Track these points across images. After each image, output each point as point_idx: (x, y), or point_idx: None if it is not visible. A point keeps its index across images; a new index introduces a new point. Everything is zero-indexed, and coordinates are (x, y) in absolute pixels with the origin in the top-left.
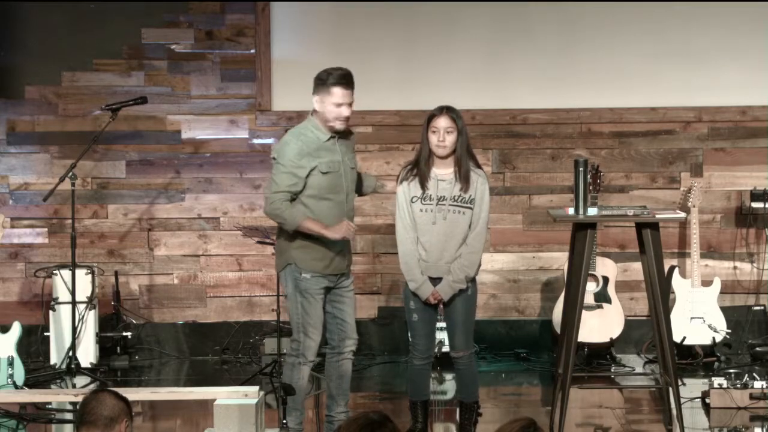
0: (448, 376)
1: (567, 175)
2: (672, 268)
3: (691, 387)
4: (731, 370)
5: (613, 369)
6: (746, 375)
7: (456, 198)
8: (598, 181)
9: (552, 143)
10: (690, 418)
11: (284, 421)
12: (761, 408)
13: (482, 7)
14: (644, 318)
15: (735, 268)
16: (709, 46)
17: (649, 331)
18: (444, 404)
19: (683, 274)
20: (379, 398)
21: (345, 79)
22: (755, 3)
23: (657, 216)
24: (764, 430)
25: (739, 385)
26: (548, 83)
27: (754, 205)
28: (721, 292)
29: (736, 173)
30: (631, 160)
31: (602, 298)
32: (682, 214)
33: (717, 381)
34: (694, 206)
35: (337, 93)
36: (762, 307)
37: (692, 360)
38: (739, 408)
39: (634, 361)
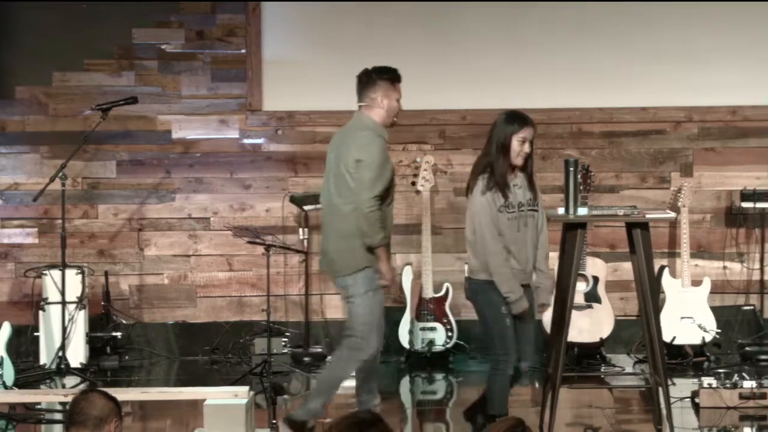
0: (438, 376)
1: (557, 175)
2: (662, 268)
3: (681, 387)
4: (721, 370)
5: (603, 369)
6: (736, 375)
7: (529, 202)
8: (589, 181)
9: (542, 143)
10: (680, 418)
11: (274, 421)
12: (751, 408)
13: (474, 8)
14: (634, 318)
15: (725, 268)
16: (699, 46)
17: (639, 330)
18: (434, 404)
19: (673, 274)
20: None
21: (400, 76)
22: (746, 3)
23: (647, 216)
24: (754, 429)
25: (728, 385)
26: (539, 83)
27: (744, 205)
28: (710, 292)
29: (726, 173)
30: (621, 160)
31: (592, 298)
32: (672, 214)
33: (707, 381)
34: (684, 206)
35: (399, 88)
36: (752, 307)
37: (682, 360)
38: (728, 408)
39: (624, 361)
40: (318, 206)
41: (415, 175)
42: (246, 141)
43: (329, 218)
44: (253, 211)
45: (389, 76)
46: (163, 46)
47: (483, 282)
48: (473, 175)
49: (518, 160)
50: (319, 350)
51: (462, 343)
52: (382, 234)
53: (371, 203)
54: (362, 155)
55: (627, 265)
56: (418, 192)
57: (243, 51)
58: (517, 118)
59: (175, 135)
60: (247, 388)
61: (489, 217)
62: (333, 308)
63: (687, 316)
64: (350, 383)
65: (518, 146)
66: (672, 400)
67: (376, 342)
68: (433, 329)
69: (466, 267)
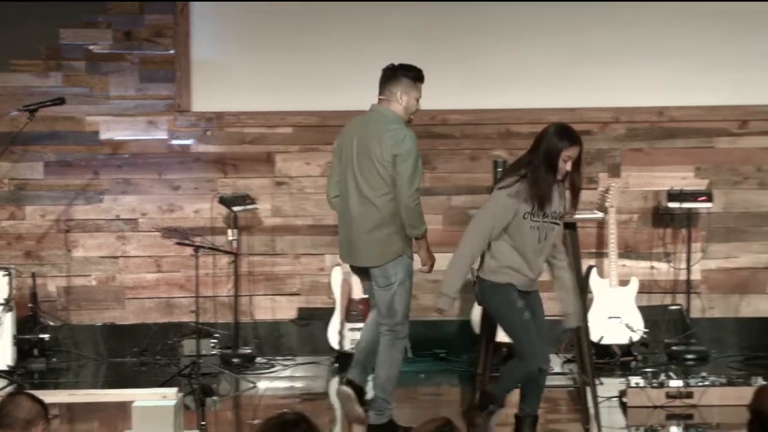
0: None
1: (486, 176)
2: (590, 268)
3: (609, 386)
4: (648, 370)
5: None
6: (663, 374)
7: (553, 215)
8: None
9: (471, 144)
10: (607, 417)
11: (203, 423)
12: (677, 407)
13: (403, 8)
14: (562, 318)
15: (652, 267)
16: (625, 47)
17: (567, 330)
18: (363, 404)
19: (601, 274)
20: (299, 399)
21: (423, 77)
22: (671, 3)
23: (575, 216)
24: (680, 428)
25: (655, 384)
26: (468, 84)
27: (671, 205)
28: (638, 292)
29: (653, 173)
30: None
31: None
32: (600, 214)
33: (634, 380)
34: (611, 206)
35: (421, 88)
36: (678, 307)
37: (609, 359)
38: (655, 407)
39: (552, 361)
40: (247, 207)
41: None
42: (174, 142)
43: (359, 210)
44: (181, 212)
45: (413, 74)
46: (90, 47)
47: (495, 283)
48: (507, 174)
49: (557, 176)
50: (248, 351)
51: None
52: (425, 226)
53: (415, 196)
54: (399, 150)
55: None
56: None
57: (171, 51)
58: (567, 135)
59: (103, 136)
60: (175, 389)
61: (496, 215)
62: (262, 309)
63: (614, 315)
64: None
65: (562, 163)
66: (600, 399)
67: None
68: (361, 329)
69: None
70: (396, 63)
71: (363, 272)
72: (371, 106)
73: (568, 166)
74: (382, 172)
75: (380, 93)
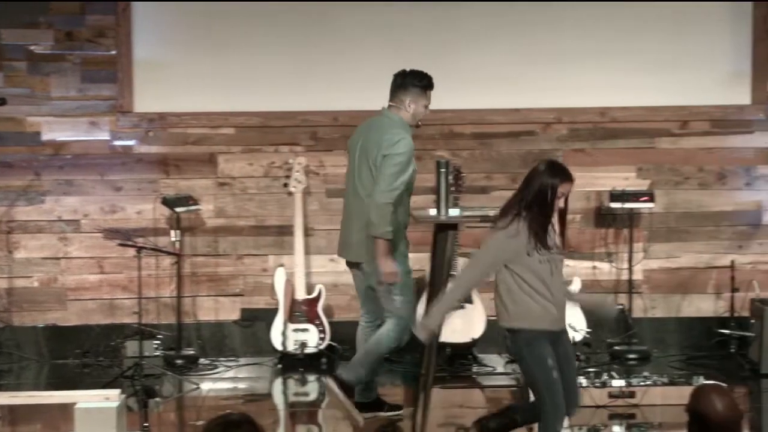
0: (311, 378)
1: (429, 176)
2: None
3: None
4: (591, 369)
5: (475, 369)
6: (605, 374)
7: (557, 247)
8: (460, 182)
9: (416, 144)
10: None
11: (146, 424)
12: (620, 406)
13: (348, 8)
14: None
15: (594, 267)
16: (567, 48)
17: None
18: (306, 405)
19: None
20: (242, 400)
21: (433, 84)
22: (613, 5)
23: None
24: (623, 428)
25: (598, 384)
26: None
27: (613, 205)
28: (580, 292)
29: (596, 174)
30: (492, 161)
31: (464, 298)
32: None
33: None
34: None
35: (430, 96)
36: (621, 307)
37: None
38: (598, 406)
39: (496, 361)
40: (190, 208)
41: (287, 177)
42: (117, 143)
43: (354, 207)
44: (124, 213)
45: (422, 83)
46: (31, 47)
47: (526, 331)
48: (503, 214)
49: (553, 213)
50: (192, 352)
51: (334, 344)
52: (388, 228)
53: (387, 196)
54: (389, 151)
55: None
56: (290, 193)
57: (113, 52)
58: (559, 172)
59: (44, 137)
60: (118, 391)
61: (496, 257)
62: (205, 310)
63: None
64: None
65: (560, 202)
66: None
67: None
68: (305, 330)
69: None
70: (407, 69)
71: (356, 267)
72: (381, 108)
73: (562, 203)
74: (374, 172)
75: (390, 99)
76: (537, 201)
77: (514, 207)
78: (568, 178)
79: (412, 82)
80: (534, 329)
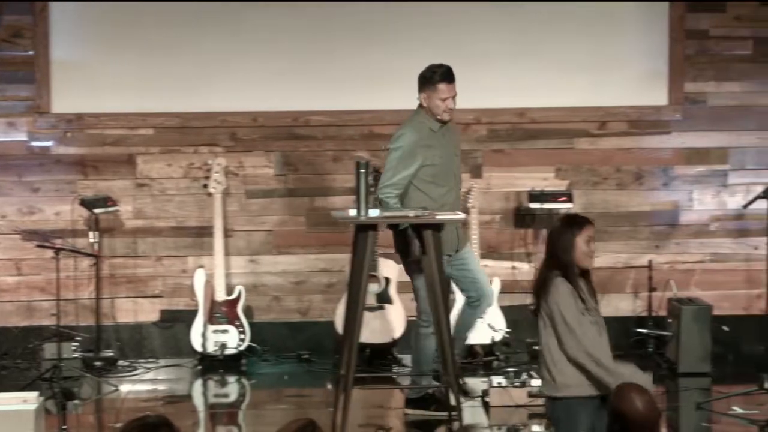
0: (231, 379)
1: (349, 177)
2: None
3: (472, 386)
4: (510, 369)
5: (395, 369)
6: (524, 373)
7: (595, 306)
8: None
9: (334, 145)
10: (470, 417)
11: (64, 427)
12: (539, 405)
13: (260, 8)
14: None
15: (513, 268)
16: (486, 49)
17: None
18: (226, 407)
19: None
20: (162, 401)
21: (448, 75)
22: (530, 4)
23: (437, 217)
24: (542, 427)
25: (517, 384)
26: (329, 85)
27: (532, 205)
28: (500, 292)
29: (515, 174)
30: None
31: (384, 299)
32: (462, 215)
33: (496, 380)
34: (473, 207)
35: (442, 88)
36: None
37: (472, 359)
38: (517, 406)
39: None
40: (109, 209)
41: (207, 178)
42: (34, 144)
43: None
44: (42, 215)
45: (432, 78)
46: None
47: (573, 399)
48: (541, 278)
49: (588, 261)
50: (110, 354)
51: (255, 345)
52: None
53: (386, 191)
54: (391, 144)
55: None
56: (209, 194)
57: (31, 53)
58: (575, 221)
59: None
60: (36, 393)
61: (576, 308)
62: (124, 312)
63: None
64: None
65: (585, 246)
66: (462, 398)
67: None
68: (225, 332)
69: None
70: (432, 64)
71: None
72: None
73: (593, 246)
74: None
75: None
76: (567, 257)
77: (549, 271)
78: (585, 221)
79: (423, 76)
80: (581, 396)
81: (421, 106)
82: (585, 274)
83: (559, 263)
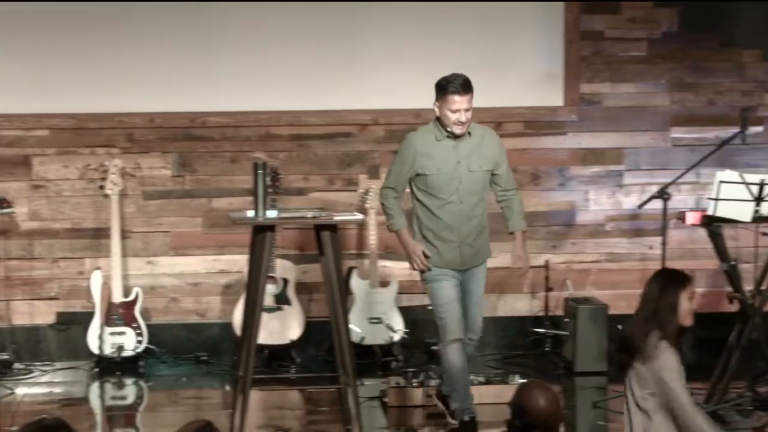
0: (128, 381)
1: (247, 178)
2: (350, 269)
3: (370, 387)
4: (408, 369)
5: (293, 370)
6: (422, 374)
7: None
8: (277, 183)
9: (231, 146)
10: (369, 418)
11: None
12: (436, 406)
13: (161, 8)
14: (324, 319)
15: (411, 268)
16: (383, 49)
17: (329, 332)
18: (124, 409)
19: (362, 275)
20: (58, 404)
21: (462, 87)
22: (424, 4)
23: (335, 218)
24: (439, 427)
25: (415, 384)
26: (226, 85)
27: None
28: (398, 293)
29: None
30: (309, 162)
31: (282, 299)
32: (360, 216)
33: (394, 380)
34: (371, 208)
35: (453, 100)
36: None
37: (371, 360)
38: (416, 406)
39: (315, 363)
40: (4, 211)
41: (103, 179)
42: None
43: None
44: None
45: (446, 87)
46: None
47: None
48: (639, 336)
49: (690, 320)
50: (6, 357)
51: (152, 347)
52: (392, 221)
53: (382, 192)
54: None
55: (316, 267)
56: (106, 196)
57: None
58: (677, 278)
59: None
60: None
61: (681, 376)
62: (20, 314)
63: (375, 316)
64: None
65: (689, 304)
66: (361, 399)
67: (447, 323)
68: (122, 334)
69: None
70: (452, 74)
71: None
72: None
73: (695, 304)
74: None
75: None
76: (669, 315)
77: (645, 329)
78: (688, 277)
79: (438, 84)
80: None
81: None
82: (681, 331)
83: (660, 323)
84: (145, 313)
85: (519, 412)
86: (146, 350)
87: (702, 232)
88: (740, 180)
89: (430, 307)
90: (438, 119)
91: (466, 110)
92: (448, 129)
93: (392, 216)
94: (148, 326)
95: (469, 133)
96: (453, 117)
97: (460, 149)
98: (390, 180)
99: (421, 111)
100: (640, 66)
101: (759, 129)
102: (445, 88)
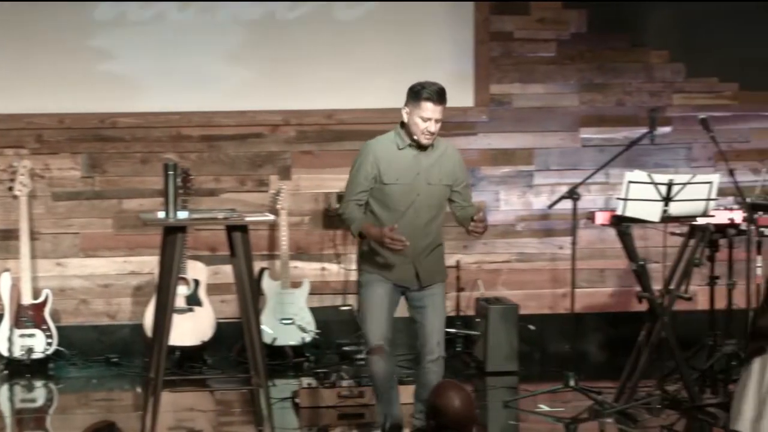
0: (38, 383)
1: (157, 179)
2: (262, 270)
3: (282, 388)
4: (320, 370)
5: (205, 372)
6: (335, 374)
7: None
8: (188, 184)
9: (142, 147)
10: (281, 419)
11: None
12: (349, 406)
13: (64, 8)
14: (236, 320)
15: (323, 269)
16: (295, 50)
17: (241, 333)
18: (33, 412)
19: (273, 276)
20: None
21: (437, 95)
22: (334, 4)
23: (246, 219)
24: (352, 427)
25: (327, 384)
26: (137, 87)
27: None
28: (309, 293)
29: (323, 175)
30: (220, 163)
31: (194, 301)
32: (271, 217)
33: (306, 381)
34: (282, 208)
35: (426, 107)
36: (349, 307)
37: (283, 361)
38: (328, 407)
39: (226, 364)
40: None
41: (12, 180)
42: None
43: None
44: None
45: (419, 93)
46: None
47: None
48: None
49: (423, 139)
50: None
51: (62, 349)
52: (353, 226)
53: (343, 206)
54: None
55: (228, 268)
56: (15, 197)
57: None
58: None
59: None
60: None
61: None
62: None
63: (287, 317)
64: None
65: None
66: (273, 400)
67: (370, 330)
68: (32, 336)
69: None
70: (426, 81)
71: None
72: None
73: None
74: None
75: None
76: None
77: None
78: None
79: (411, 89)
80: None
81: (402, 123)
82: None
83: None
84: (54, 315)
85: (434, 412)
86: (56, 352)
87: (611, 232)
88: (649, 180)
89: (342, 308)
90: (403, 126)
91: (437, 121)
92: (414, 137)
93: (352, 221)
94: (58, 328)
95: (432, 145)
96: (422, 125)
97: (421, 160)
98: (351, 192)
99: (333, 111)
100: (549, 67)
101: (667, 129)
102: (419, 93)
